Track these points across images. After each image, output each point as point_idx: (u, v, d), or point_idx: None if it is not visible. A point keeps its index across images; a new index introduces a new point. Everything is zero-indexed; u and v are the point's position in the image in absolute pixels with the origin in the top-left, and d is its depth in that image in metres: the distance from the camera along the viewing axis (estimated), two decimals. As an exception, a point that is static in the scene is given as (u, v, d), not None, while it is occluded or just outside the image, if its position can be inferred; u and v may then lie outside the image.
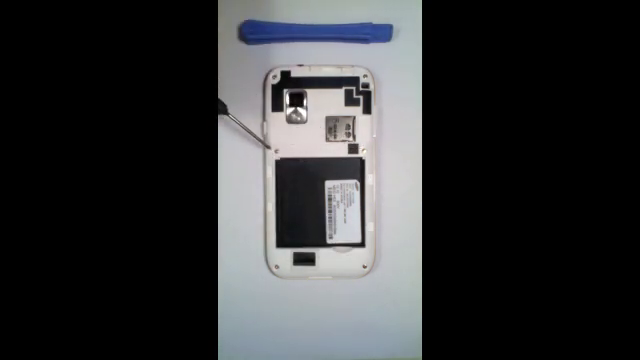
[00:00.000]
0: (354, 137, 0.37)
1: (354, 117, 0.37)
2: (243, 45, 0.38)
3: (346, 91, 0.37)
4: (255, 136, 0.36)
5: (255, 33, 0.37)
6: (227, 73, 0.38)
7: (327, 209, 0.37)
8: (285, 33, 0.37)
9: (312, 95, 0.37)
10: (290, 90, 0.37)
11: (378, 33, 0.37)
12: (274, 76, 0.37)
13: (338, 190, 0.37)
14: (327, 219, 0.37)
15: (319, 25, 0.37)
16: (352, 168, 0.37)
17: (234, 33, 0.38)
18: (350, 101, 0.37)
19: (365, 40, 0.37)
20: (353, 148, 0.37)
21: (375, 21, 0.37)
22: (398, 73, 0.38)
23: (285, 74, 0.37)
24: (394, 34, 0.37)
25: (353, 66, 0.37)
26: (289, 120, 0.37)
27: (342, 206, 0.37)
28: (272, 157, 0.37)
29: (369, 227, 0.37)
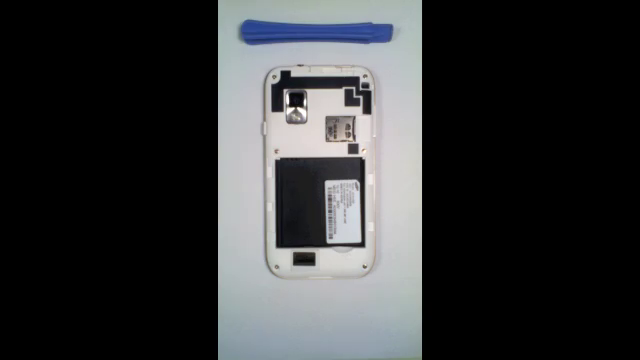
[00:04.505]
0: (354, 137, 0.37)
1: (354, 117, 0.37)
2: (243, 45, 0.38)
3: (346, 91, 0.37)
4: None
5: (255, 33, 0.37)
6: (227, 73, 0.38)
7: (327, 209, 0.37)
8: (285, 33, 0.37)
9: (312, 95, 0.37)
10: (290, 90, 0.37)
11: (378, 33, 0.37)
12: (274, 76, 0.37)
13: (338, 190, 0.37)
14: (327, 219, 0.37)
15: (319, 25, 0.37)
16: (352, 168, 0.37)
17: (234, 33, 0.38)
18: (350, 101, 0.37)
19: (365, 40, 0.37)
20: (353, 148, 0.37)
21: (375, 21, 0.37)
22: (398, 73, 0.38)
23: (285, 74, 0.37)
24: (394, 34, 0.37)
25: (353, 66, 0.37)
26: (289, 120, 0.37)
27: (342, 206, 0.37)
28: (272, 157, 0.37)
29: (369, 227, 0.37)
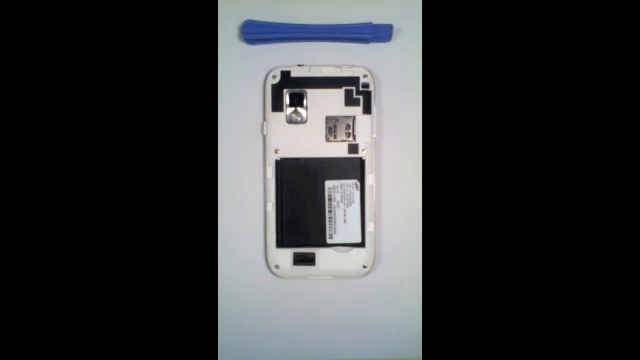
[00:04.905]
0: (354, 137, 0.37)
1: (354, 117, 0.37)
2: (243, 45, 0.38)
3: (346, 91, 0.37)
4: None
5: (255, 33, 0.37)
6: (227, 73, 0.38)
7: (327, 209, 0.37)
8: (285, 33, 0.37)
9: (312, 95, 0.37)
10: (290, 90, 0.37)
11: (378, 33, 0.37)
12: (274, 76, 0.37)
13: (338, 190, 0.37)
14: (327, 219, 0.37)
15: (319, 25, 0.37)
16: (352, 168, 0.37)
17: (234, 33, 0.38)
18: (350, 101, 0.37)
19: (365, 40, 0.37)
20: (353, 148, 0.37)
21: (375, 21, 0.37)
22: (398, 73, 0.38)
23: (285, 74, 0.37)
24: (394, 34, 0.37)
25: (353, 66, 0.37)
26: (289, 120, 0.37)
27: (342, 206, 0.37)
28: (272, 157, 0.37)
29: (369, 227, 0.37)
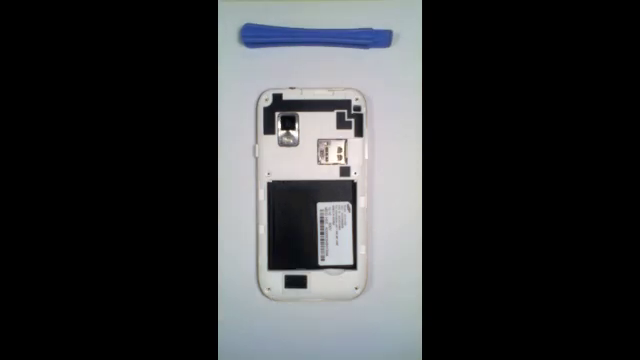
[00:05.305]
0: (346, 160, 0.37)
1: (346, 140, 0.37)
2: (243, 48, 0.37)
3: (338, 114, 0.37)
4: None
5: (255, 36, 0.37)
6: (227, 77, 0.38)
7: (319, 231, 0.37)
8: (284, 37, 0.37)
9: (304, 118, 0.37)
10: (282, 113, 0.37)
11: (378, 38, 0.37)
12: (266, 99, 0.37)
13: (330, 212, 0.37)
14: (319, 241, 0.37)
15: (319, 29, 0.37)
16: (344, 190, 0.37)
17: (234, 36, 0.38)
18: (342, 124, 0.37)
19: (364, 45, 0.37)
20: (345, 171, 0.37)
21: (375, 27, 0.37)
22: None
23: (277, 97, 0.37)
24: (393, 40, 0.37)
25: (345, 89, 0.37)
26: (281, 143, 0.37)
27: (334, 228, 0.37)
28: (264, 179, 0.37)
29: (361, 249, 0.37)
